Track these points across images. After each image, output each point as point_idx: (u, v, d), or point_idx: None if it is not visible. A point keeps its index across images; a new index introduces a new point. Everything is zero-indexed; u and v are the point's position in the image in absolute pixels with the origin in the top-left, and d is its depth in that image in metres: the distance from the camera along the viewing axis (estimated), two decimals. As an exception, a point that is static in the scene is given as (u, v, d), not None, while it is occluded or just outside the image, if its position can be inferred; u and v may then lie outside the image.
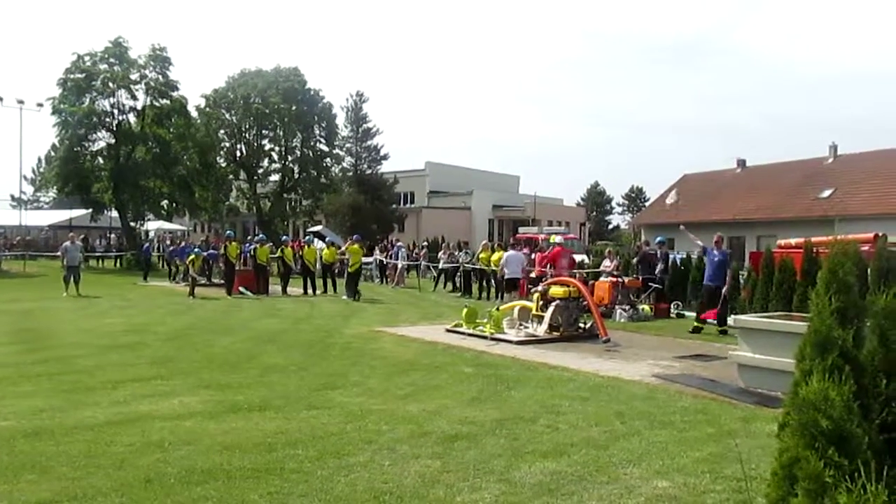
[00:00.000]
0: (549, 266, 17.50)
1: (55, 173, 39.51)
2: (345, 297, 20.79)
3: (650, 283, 17.71)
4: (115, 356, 10.29)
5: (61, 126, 37.31)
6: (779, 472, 2.32)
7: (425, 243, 36.15)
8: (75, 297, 20.20)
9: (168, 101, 39.04)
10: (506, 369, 9.54)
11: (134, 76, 38.21)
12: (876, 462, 2.15)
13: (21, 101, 37.23)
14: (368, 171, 53.56)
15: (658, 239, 20.07)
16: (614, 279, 17.46)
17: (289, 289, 22.89)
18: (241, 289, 21.90)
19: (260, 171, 55.49)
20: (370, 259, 30.96)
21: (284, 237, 28.62)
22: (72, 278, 21.16)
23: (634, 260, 18.80)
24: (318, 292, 22.68)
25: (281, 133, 53.53)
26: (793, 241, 18.58)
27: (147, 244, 32.75)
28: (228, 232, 27.52)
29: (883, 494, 1.98)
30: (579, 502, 4.60)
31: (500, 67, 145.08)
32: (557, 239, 22.56)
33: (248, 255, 23.93)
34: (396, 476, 5.07)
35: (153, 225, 49.45)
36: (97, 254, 37.86)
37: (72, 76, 37.16)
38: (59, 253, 23.84)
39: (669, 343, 12.58)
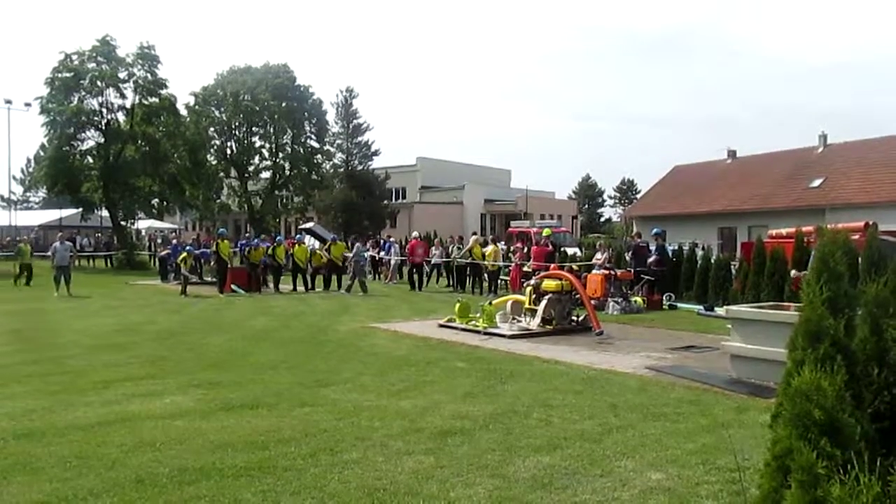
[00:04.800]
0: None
1: (44, 173, 39.23)
2: (342, 292, 21.52)
3: (642, 276, 17.74)
4: (106, 356, 10.23)
5: (50, 125, 37.04)
6: (772, 463, 2.31)
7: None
8: (66, 297, 20.10)
9: (157, 100, 38.78)
10: (499, 363, 9.53)
11: (122, 74, 37.93)
12: (868, 452, 2.14)
13: (9, 101, 37.04)
14: (359, 167, 53.38)
15: (654, 230, 20.09)
16: (607, 272, 17.48)
17: (281, 286, 22.87)
18: (233, 287, 21.83)
19: (250, 168, 55.38)
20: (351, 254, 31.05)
21: (278, 237, 28.49)
22: (62, 278, 21.06)
23: (628, 255, 18.84)
24: (317, 289, 22.70)
25: (271, 130, 53.43)
26: (784, 230, 18.66)
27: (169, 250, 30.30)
28: (221, 230, 27.33)
29: (876, 486, 1.97)
30: (573, 496, 4.59)
31: (490, 62, 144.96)
32: (545, 231, 22.63)
33: (244, 254, 23.77)
34: (390, 472, 5.05)
35: (144, 224, 49.24)
36: (87, 253, 37.62)
37: (59, 75, 36.87)
38: (48, 253, 23.74)
39: (662, 335, 12.60)
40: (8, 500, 4.57)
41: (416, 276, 23.89)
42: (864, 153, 34.04)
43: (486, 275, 21.78)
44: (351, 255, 23.19)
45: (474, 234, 27.53)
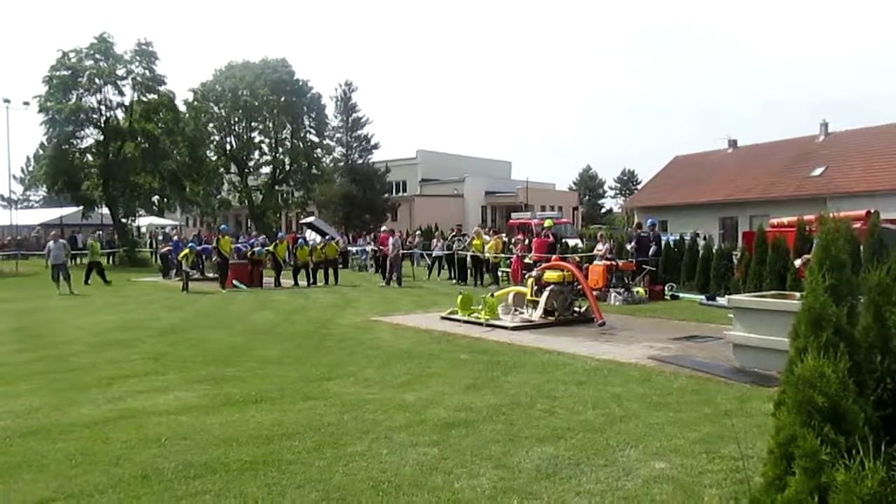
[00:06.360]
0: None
1: (44, 172, 39.18)
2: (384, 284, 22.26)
3: (644, 266, 17.73)
4: (109, 353, 10.25)
5: (49, 124, 36.96)
6: (776, 451, 2.32)
7: (419, 232, 36.11)
8: (69, 295, 20.10)
9: (155, 96, 38.70)
10: (502, 355, 9.55)
11: (120, 72, 37.82)
12: (872, 438, 2.15)
13: (7, 100, 36.95)
14: (359, 161, 53.30)
15: (650, 221, 20.11)
16: (608, 262, 17.48)
17: (282, 280, 22.92)
18: (234, 282, 21.86)
19: (250, 163, 55.28)
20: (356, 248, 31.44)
21: (280, 234, 28.55)
22: (60, 277, 21.05)
23: (629, 246, 18.84)
24: (318, 283, 22.79)
25: (270, 125, 53.29)
26: (785, 219, 18.65)
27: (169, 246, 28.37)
28: (223, 226, 27.35)
29: (881, 471, 1.98)
30: (577, 486, 4.60)
31: (488, 54, 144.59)
32: (546, 222, 22.66)
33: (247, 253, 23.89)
34: (394, 465, 5.06)
35: (145, 221, 49.23)
36: (88, 251, 37.60)
37: (57, 73, 36.77)
38: (44, 252, 23.78)
39: (664, 325, 12.61)
40: (15, 496, 4.59)
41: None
42: (865, 141, 33.97)
43: (478, 267, 21.95)
44: (390, 250, 23.34)
45: (478, 227, 27.65)
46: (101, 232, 39.69)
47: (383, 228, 29.18)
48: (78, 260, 33.90)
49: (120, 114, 38.93)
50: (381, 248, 26.02)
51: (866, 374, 2.50)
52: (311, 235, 31.64)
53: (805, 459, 2.11)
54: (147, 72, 38.44)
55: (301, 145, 53.50)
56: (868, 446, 2.07)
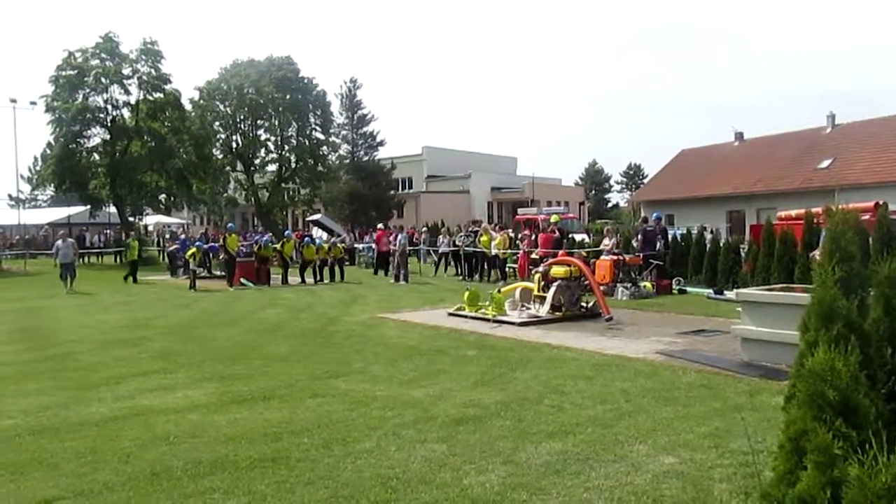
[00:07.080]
0: None
1: (51, 171, 39.38)
2: (392, 281, 22.65)
3: (651, 260, 17.68)
4: (117, 351, 10.29)
5: (55, 123, 37.18)
6: (786, 445, 2.30)
7: (425, 228, 36.11)
8: (73, 294, 20.20)
9: (161, 95, 38.87)
10: (509, 351, 9.54)
11: (126, 71, 37.99)
12: (886, 433, 2.13)
13: (14, 100, 37.14)
14: (365, 158, 53.37)
15: (655, 215, 20.04)
16: (615, 257, 17.42)
17: (289, 278, 22.96)
18: (242, 280, 21.90)
19: (256, 161, 55.39)
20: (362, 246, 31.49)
21: (287, 232, 28.59)
22: (67, 275, 21.22)
23: (634, 242, 18.79)
24: (325, 281, 22.89)
25: (276, 123, 53.39)
26: (793, 212, 18.58)
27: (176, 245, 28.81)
28: (230, 224, 27.39)
29: (895, 465, 1.96)
30: (586, 481, 4.59)
31: (493, 50, 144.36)
32: (553, 217, 22.61)
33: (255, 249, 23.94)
34: (403, 461, 5.06)
35: (152, 219, 49.43)
36: (95, 250, 37.77)
37: (64, 73, 36.96)
38: (52, 251, 23.93)
39: (672, 319, 12.56)
40: (25, 494, 4.60)
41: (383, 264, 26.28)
42: (872, 133, 33.78)
43: (486, 262, 21.94)
44: (396, 246, 23.38)
45: (478, 221, 27.79)
46: (109, 230, 39.89)
47: (379, 226, 29.68)
48: (86, 259, 34.08)
49: (126, 113, 39.12)
50: (378, 245, 26.53)
51: (877, 368, 2.49)
52: (317, 233, 31.70)
53: (817, 454, 2.10)
54: (153, 71, 38.60)
55: (307, 143, 53.56)
56: (881, 440, 2.05)
